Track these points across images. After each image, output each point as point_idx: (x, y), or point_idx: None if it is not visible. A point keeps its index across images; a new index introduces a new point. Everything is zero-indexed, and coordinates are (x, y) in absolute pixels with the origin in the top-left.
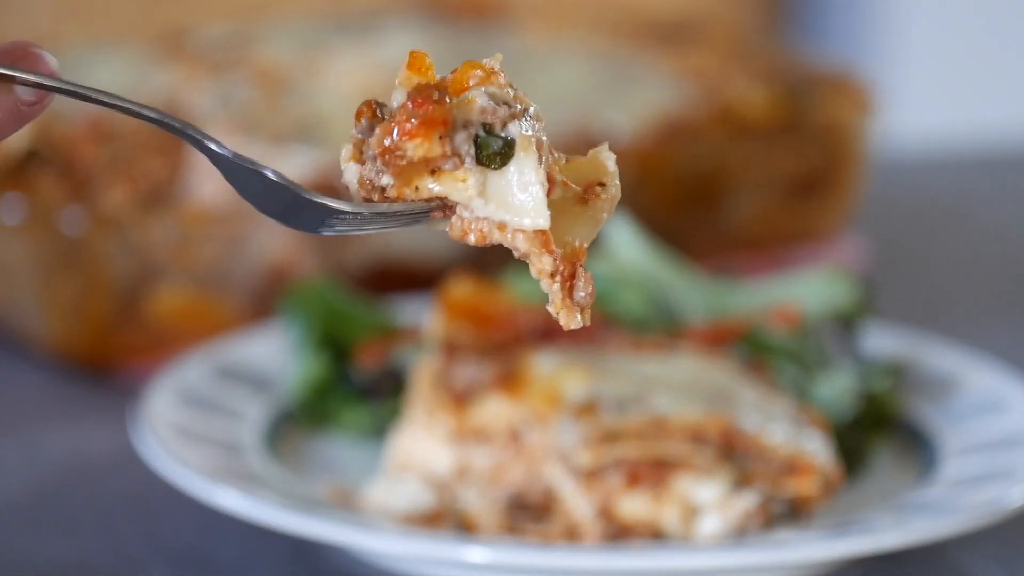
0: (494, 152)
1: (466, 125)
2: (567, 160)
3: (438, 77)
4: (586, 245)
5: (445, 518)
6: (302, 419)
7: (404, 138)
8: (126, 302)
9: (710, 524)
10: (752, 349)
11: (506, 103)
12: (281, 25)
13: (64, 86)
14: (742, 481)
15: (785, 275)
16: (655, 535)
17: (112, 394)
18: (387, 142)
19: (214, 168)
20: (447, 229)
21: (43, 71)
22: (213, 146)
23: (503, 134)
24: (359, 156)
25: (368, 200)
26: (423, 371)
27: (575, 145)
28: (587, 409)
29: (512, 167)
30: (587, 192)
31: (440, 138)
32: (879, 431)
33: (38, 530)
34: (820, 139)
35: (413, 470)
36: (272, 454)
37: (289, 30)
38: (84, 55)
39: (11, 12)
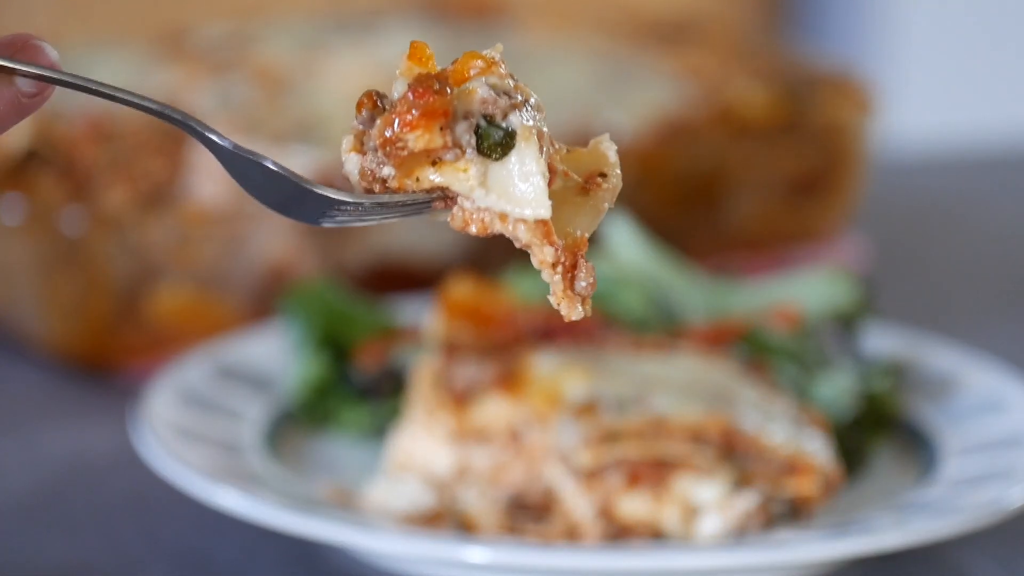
0: (495, 142)
1: (467, 115)
2: (568, 150)
3: (439, 68)
4: (587, 235)
5: (445, 518)
6: (302, 419)
7: (405, 129)
8: (126, 302)
9: (710, 524)
10: (752, 349)
11: (507, 93)
12: (281, 25)
13: (65, 78)
14: (742, 481)
15: (785, 275)
16: (655, 535)
17: (112, 394)
18: (388, 133)
19: (214, 169)
20: (448, 220)
21: (44, 63)
22: (213, 137)
23: (504, 124)
24: (360, 147)
25: (369, 191)
26: (423, 371)
27: (578, 145)
28: (587, 409)
29: (513, 157)
30: (588, 182)
31: (441, 129)
32: (879, 431)
33: (38, 530)
34: (820, 139)
35: (413, 470)
36: (272, 454)
37: (289, 30)
38: (84, 54)
39: (11, 11)
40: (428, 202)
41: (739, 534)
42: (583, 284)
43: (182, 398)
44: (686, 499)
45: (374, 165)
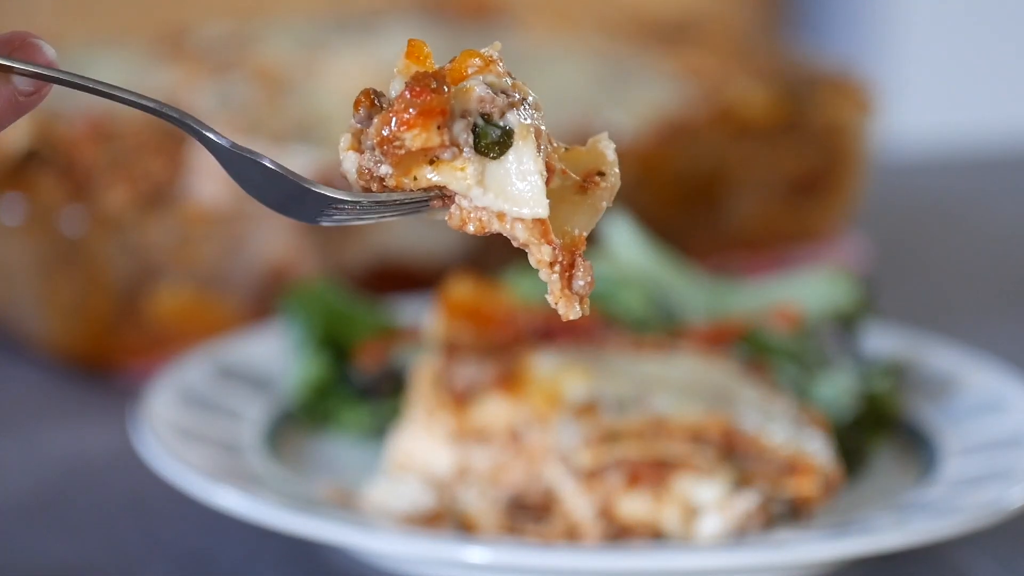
0: (492, 141)
1: (464, 114)
2: (566, 149)
3: (436, 67)
4: (585, 234)
5: (445, 518)
6: (302, 419)
7: (402, 128)
8: (126, 302)
9: (710, 524)
10: (752, 349)
11: (504, 92)
12: (281, 25)
13: (62, 76)
14: (742, 481)
15: (785, 275)
16: (655, 535)
17: (112, 394)
18: (385, 132)
19: (214, 169)
20: (446, 219)
21: (41, 61)
22: (211, 135)
23: (501, 123)
24: (358, 146)
25: (367, 190)
26: (423, 371)
27: (577, 144)
28: (587, 409)
29: (511, 156)
30: (586, 181)
31: (438, 127)
32: (879, 431)
33: (38, 530)
34: (820, 139)
35: (413, 470)
36: (272, 454)
37: (289, 30)
38: (84, 54)
39: (11, 10)
40: (426, 201)
41: (739, 534)
42: (581, 283)
43: (182, 398)
44: (686, 499)
45: (372, 164)
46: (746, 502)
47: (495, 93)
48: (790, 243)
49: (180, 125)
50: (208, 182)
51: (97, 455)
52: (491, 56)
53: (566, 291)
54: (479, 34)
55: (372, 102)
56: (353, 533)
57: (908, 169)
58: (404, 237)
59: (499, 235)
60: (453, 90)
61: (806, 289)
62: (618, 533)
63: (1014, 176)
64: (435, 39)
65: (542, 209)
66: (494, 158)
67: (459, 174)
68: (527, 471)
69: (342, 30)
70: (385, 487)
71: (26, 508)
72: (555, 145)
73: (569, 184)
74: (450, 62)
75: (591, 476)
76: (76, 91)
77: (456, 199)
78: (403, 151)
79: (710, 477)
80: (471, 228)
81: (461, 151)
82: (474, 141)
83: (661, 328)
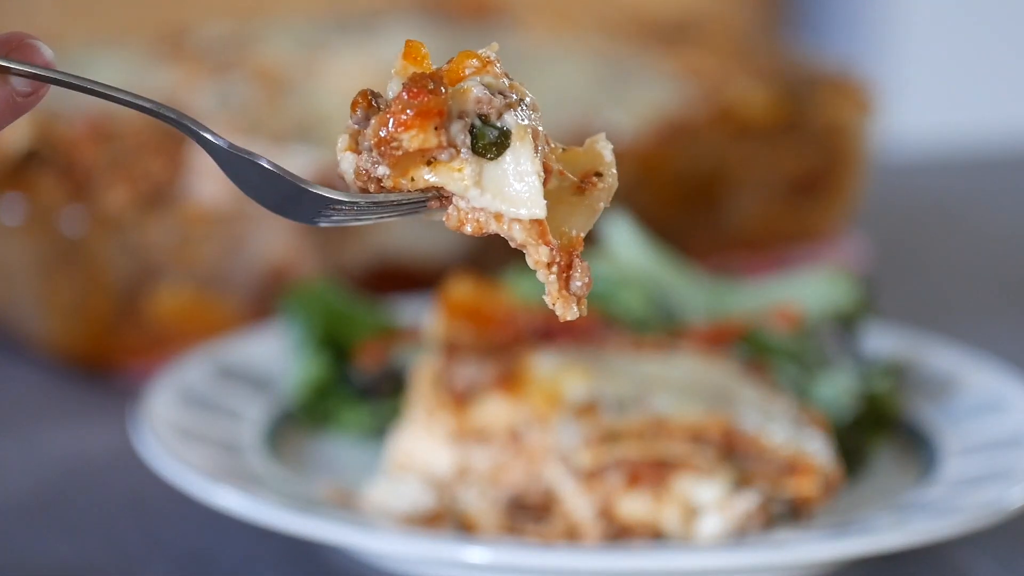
0: (490, 142)
1: (462, 115)
2: (564, 150)
3: (434, 67)
4: (583, 235)
5: (445, 518)
6: (302, 419)
7: (400, 129)
8: (126, 302)
9: (710, 524)
10: (752, 349)
11: (501, 93)
12: (281, 25)
13: (60, 77)
14: (742, 481)
15: (785, 275)
16: (655, 535)
17: (112, 394)
18: (383, 133)
19: (214, 169)
20: (443, 219)
21: (39, 62)
22: (208, 136)
23: (499, 124)
24: (355, 146)
25: (365, 191)
26: (423, 371)
27: (575, 145)
28: (587, 409)
29: (508, 157)
30: (584, 182)
31: (436, 128)
32: (879, 431)
33: (38, 530)
34: (820, 139)
35: (413, 470)
36: (272, 454)
37: (289, 30)
38: (84, 54)
39: (11, 10)
40: (423, 201)
41: (739, 534)
42: (578, 284)
43: (182, 398)
44: (686, 499)
45: (369, 165)
46: (746, 502)
47: (492, 94)
48: (790, 243)
49: (177, 126)
50: (208, 182)
51: (97, 455)
52: (488, 57)
53: (563, 292)
54: (479, 34)
55: (369, 103)
56: (353, 533)
57: (908, 169)
58: (404, 237)
59: (498, 235)
60: (450, 91)
61: (806, 289)
62: (618, 533)
63: (1014, 176)
64: (435, 39)
65: (539, 210)
66: (491, 159)
67: (456, 175)
68: (527, 471)
69: (342, 30)
70: (385, 487)
71: (26, 508)
72: (552, 146)
73: (567, 185)
74: (447, 63)
75: (591, 476)
76: (75, 91)
77: (454, 200)
78: (400, 152)
79: (710, 477)
80: (469, 229)
81: (458, 152)
82: (471, 142)
83: (661, 328)
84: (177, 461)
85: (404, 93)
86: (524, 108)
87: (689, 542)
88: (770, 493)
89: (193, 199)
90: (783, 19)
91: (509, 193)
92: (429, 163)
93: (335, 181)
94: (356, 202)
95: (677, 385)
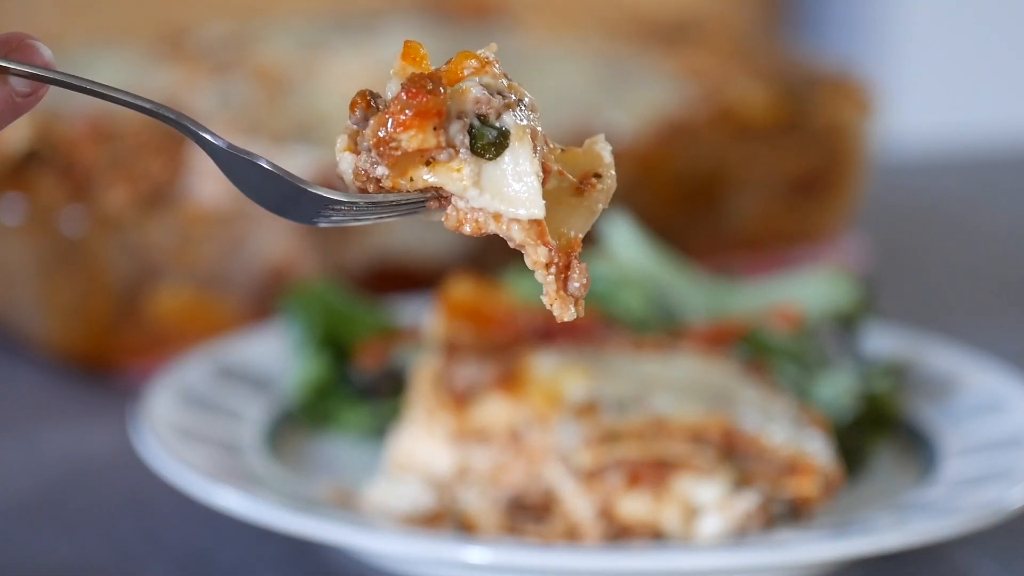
0: (489, 142)
1: (460, 115)
2: (563, 150)
3: (433, 68)
4: (581, 236)
5: (445, 518)
6: (302, 419)
7: (399, 129)
8: (126, 302)
9: (710, 524)
10: (752, 349)
11: (500, 93)
12: (281, 25)
13: (59, 77)
14: (742, 481)
15: (785, 275)
16: (655, 535)
17: (112, 394)
18: (382, 133)
19: (213, 169)
20: (442, 220)
21: (38, 62)
22: (208, 136)
23: (498, 124)
24: (354, 147)
25: (363, 191)
26: (423, 371)
27: (575, 145)
28: (587, 409)
29: (507, 157)
30: (583, 183)
31: (435, 129)
32: (879, 431)
33: (38, 530)
34: (820, 139)
35: (413, 470)
36: (272, 454)
37: (289, 30)
38: (84, 54)
39: (11, 10)
40: (422, 202)
41: (739, 534)
42: (576, 285)
43: (182, 398)
44: (686, 499)
45: (368, 165)
46: (746, 502)
47: (491, 94)
48: (790, 243)
49: (177, 126)
50: (208, 182)
51: (97, 455)
52: (487, 57)
53: (561, 292)
54: (479, 34)
55: (368, 103)
56: (353, 533)
57: (908, 169)
58: (404, 237)
59: (497, 236)
60: (449, 91)
61: (806, 289)
62: (618, 533)
63: (1014, 176)
64: (435, 39)
65: (538, 210)
66: (490, 159)
67: (455, 175)
68: (527, 471)
69: (342, 30)
70: (385, 487)
71: (26, 508)
72: (551, 146)
73: (565, 186)
74: (446, 63)
75: (591, 476)
76: (75, 91)
77: (452, 200)
78: (399, 152)
79: (710, 477)
80: (467, 229)
81: (457, 152)
82: (470, 142)
83: (661, 328)
84: (177, 461)
85: (403, 93)
86: (523, 108)
87: (689, 542)
88: (770, 493)
89: (193, 199)
90: (783, 19)
91: (508, 193)
92: (428, 163)
93: (334, 181)
94: (355, 202)
95: (677, 385)
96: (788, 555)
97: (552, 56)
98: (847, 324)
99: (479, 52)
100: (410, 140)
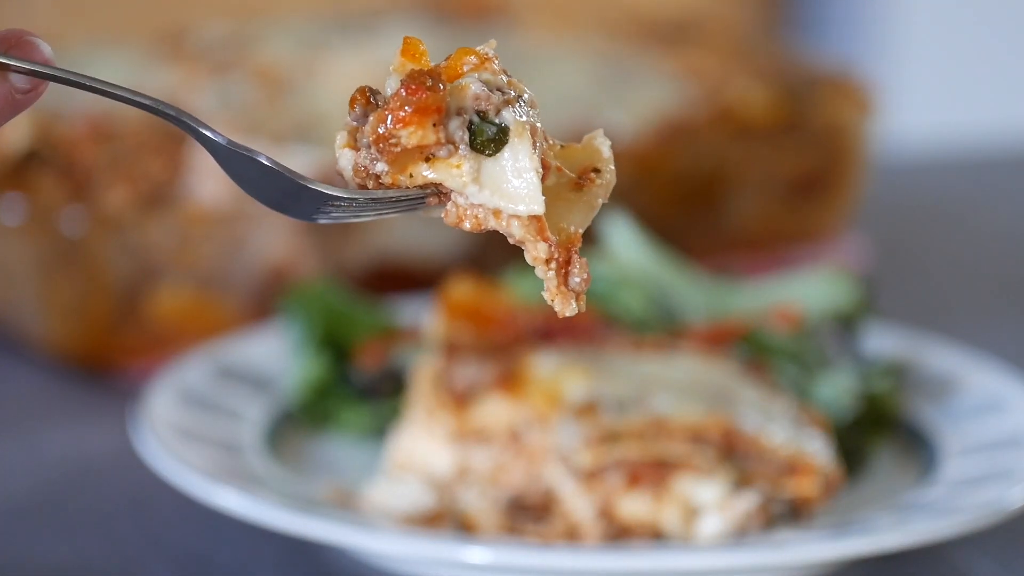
0: (488, 138)
1: (460, 112)
2: (562, 146)
3: (432, 64)
4: (581, 231)
5: (445, 518)
6: (302, 419)
7: (398, 125)
8: (126, 302)
9: (710, 524)
10: (752, 349)
11: (500, 89)
12: (281, 25)
13: (59, 74)
14: (742, 481)
15: (785, 275)
16: (655, 535)
17: (112, 394)
18: (381, 129)
19: (214, 169)
20: (442, 216)
21: (37, 59)
22: (207, 133)
23: (497, 120)
24: (354, 143)
25: (363, 187)
26: (423, 371)
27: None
28: (587, 409)
29: (506, 153)
30: (582, 178)
31: (434, 125)
32: (879, 431)
33: (38, 530)
34: (820, 139)
35: (413, 470)
36: (272, 454)
37: (289, 30)
38: (84, 54)
39: (10, 10)
40: (422, 198)
41: (739, 534)
42: (577, 280)
43: (182, 398)
44: (686, 499)
45: (367, 161)
46: (746, 502)
47: (491, 90)
48: (790, 243)
49: (177, 123)
50: (208, 182)
51: (97, 455)
52: (487, 54)
53: (562, 288)
54: (479, 34)
55: (368, 100)
56: (353, 533)
57: (908, 169)
58: (404, 237)
59: (498, 234)
60: (449, 88)
61: (806, 289)
62: (618, 533)
63: (1014, 176)
64: (435, 39)
65: (538, 206)
66: (490, 155)
67: (455, 171)
68: (527, 471)
69: (342, 30)
70: (385, 487)
71: (26, 508)
72: (551, 142)
73: (565, 181)
74: (446, 60)
75: (591, 476)
76: (76, 91)
77: (452, 196)
78: (399, 148)
79: (710, 477)
80: (467, 225)
81: (457, 148)
82: (470, 138)
83: (661, 328)
84: (177, 461)
85: (402, 90)
86: (522, 104)
87: (689, 542)
88: (770, 493)
89: (193, 199)
90: (783, 19)
91: (507, 189)
92: (427, 159)
93: (334, 179)
94: (355, 198)
95: (677, 385)
96: (788, 555)
97: (552, 56)
98: (847, 324)
99: (478, 48)
100: (410, 136)
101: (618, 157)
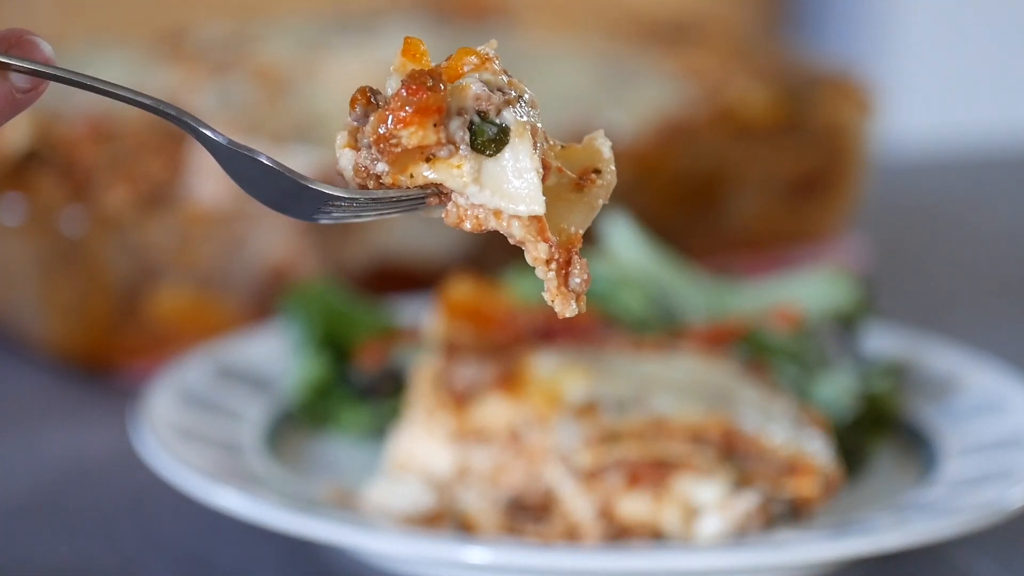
0: (489, 138)
1: (461, 112)
2: (562, 147)
3: (433, 64)
4: (582, 232)
5: (445, 518)
6: (302, 419)
7: (399, 125)
8: (126, 302)
9: (710, 524)
10: (752, 349)
11: (500, 89)
12: (281, 25)
13: (59, 73)
14: (742, 481)
15: (785, 275)
16: (655, 535)
17: (112, 394)
18: (382, 129)
19: (214, 168)
20: (443, 216)
21: (38, 58)
22: (208, 133)
23: (498, 120)
24: (354, 143)
25: (363, 187)
26: (423, 371)
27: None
28: (587, 409)
29: (507, 153)
30: (583, 179)
31: (435, 125)
32: (879, 431)
33: (38, 530)
34: (820, 139)
35: (413, 470)
36: (272, 454)
37: (289, 30)
38: (85, 54)
39: (10, 10)
40: (422, 198)
41: (739, 534)
42: (577, 280)
43: (182, 398)
44: (686, 499)
45: (368, 161)
46: (746, 502)
47: (491, 91)
48: (790, 243)
49: (177, 122)
50: (208, 182)
51: (97, 455)
52: (487, 54)
53: (562, 288)
54: (479, 34)
55: (368, 100)
56: (353, 533)
57: (908, 169)
58: (404, 237)
59: (498, 234)
60: (449, 88)
61: (806, 289)
62: (618, 533)
63: (1014, 176)
64: (435, 39)
65: (538, 206)
66: (490, 155)
67: (455, 171)
68: (527, 471)
69: (342, 30)
70: (385, 487)
71: (26, 508)
72: (551, 143)
73: (565, 182)
74: (446, 60)
75: (591, 476)
76: (76, 91)
77: (453, 196)
78: (399, 149)
79: (710, 477)
80: (468, 225)
81: (457, 149)
82: (470, 139)
83: (661, 328)
84: (177, 461)
85: (403, 90)
86: (523, 105)
87: (689, 542)
88: (770, 493)
89: (193, 199)
90: (783, 19)
91: (508, 190)
92: (428, 160)
93: (334, 179)
94: (355, 198)
95: (677, 385)
96: (788, 555)
97: (552, 56)
98: (847, 324)
99: (479, 48)
100: (410, 136)
101: (618, 157)
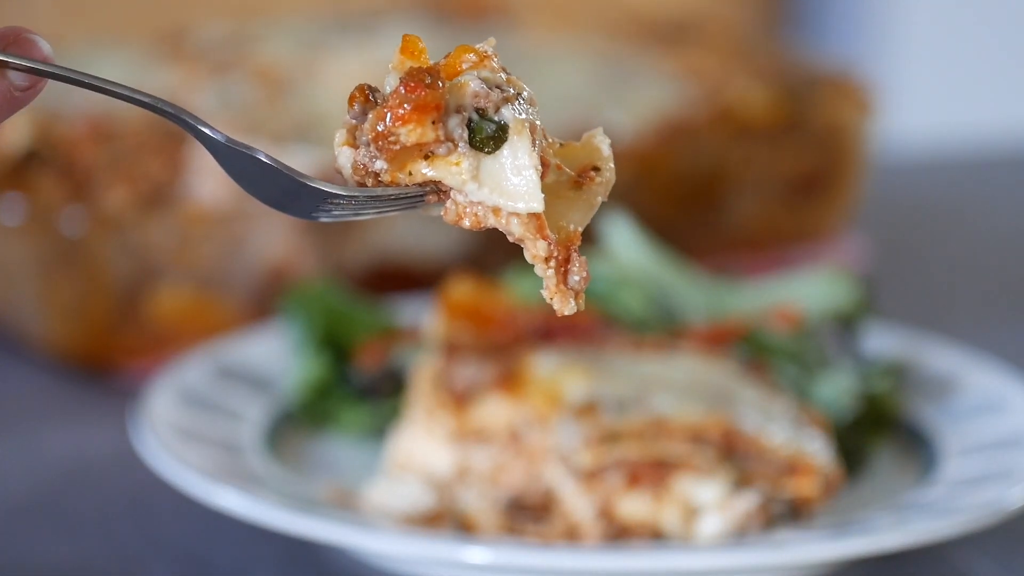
0: (487, 136)
1: (459, 109)
2: (561, 144)
3: (431, 62)
4: (580, 230)
5: (445, 518)
6: (302, 419)
7: (397, 123)
8: (126, 302)
9: (710, 524)
10: (752, 349)
11: (499, 87)
12: (281, 25)
13: (58, 71)
14: (742, 481)
15: (785, 275)
16: (655, 535)
17: (112, 394)
18: (380, 127)
19: (213, 168)
20: (442, 214)
21: (36, 56)
22: (206, 130)
23: (496, 118)
24: (353, 141)
25: (362, 185)
26: (423, 371)
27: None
28: (587, 409)
29: (506, 151)
30: (581, 176)
31: (433, 123)
32: (879, 431)
33: (38, 530)
34: (820, 139)
35: (413, 470)
36: (272, 454)
37: (289, 30)
38: (85, 53)
39: (10, 10)
40: (421, 196)
41: (739, 534)
42: (576, 278)
43: (182, 398)
44: (686, 499)
45: (367, 159)
46: (746, 502)
47: (490, 88)
48: (790, 243)
49: (175, 120)
50: (208, 181)
51: (97, 455)
52: (486, 51)
53: (561, 286)
54: (479, 34)
55: (367, 97)
56: (353, 533)
57: (908, 169)
58: (404, 237)
59: (498, 233)
60: (448, 85)
61: (806, 289)
62: (618, 533)
63: (1014, 176)
64: (435, 39)
65: (537, 204)
66: (489, 153)
67: (454, 169)
68: (527, 471)
69: (342, 30)
70: (385, 487)
71: (26, 508)
72: (550, 140)
73: (564, 179)
74: (445, 57)
75: (591, 476)
76: (75, 91)
77: (451, 194)
78: (398, 146)
79: (710, 477)
80: (467, 223)
81: (456, 146)
82: (469, 136)
83: (661, 328)
84: (177, 461)
85: (401, 87)
86: (522, 102)
87: (689, 542)
88: (770, 493)
89: (193, 199)
90: (783, 19)
91: (507, 187)
92: (427, 157)
93: (333, 177)
94: (354, 196)
95: (677, 385)
96: (788, 555)
97: (552, 56)
98: (847, 324)
99: (478, 46)
100: (409, 134)
101: (618, 157)
